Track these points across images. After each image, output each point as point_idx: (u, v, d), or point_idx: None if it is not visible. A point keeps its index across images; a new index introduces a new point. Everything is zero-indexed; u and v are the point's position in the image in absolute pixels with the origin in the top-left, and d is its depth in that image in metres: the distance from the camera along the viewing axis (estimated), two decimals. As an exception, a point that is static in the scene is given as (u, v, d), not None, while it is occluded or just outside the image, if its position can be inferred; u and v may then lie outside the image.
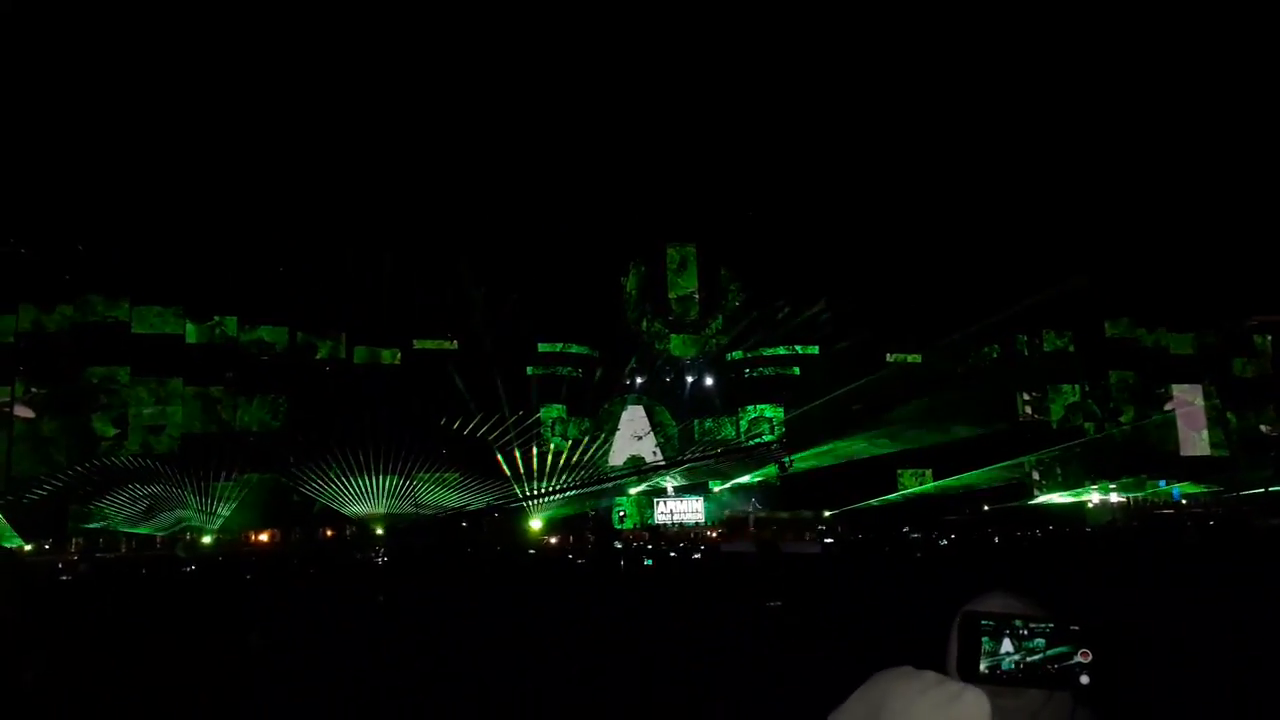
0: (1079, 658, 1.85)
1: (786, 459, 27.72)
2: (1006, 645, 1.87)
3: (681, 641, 8.66)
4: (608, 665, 7.72)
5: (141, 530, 28.81)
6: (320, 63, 28.79)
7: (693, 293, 36.20)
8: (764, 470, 32.45)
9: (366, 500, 30.97)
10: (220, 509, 29.44)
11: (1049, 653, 1.86)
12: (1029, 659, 1.87)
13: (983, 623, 1.92)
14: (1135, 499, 33.02)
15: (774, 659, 7.93)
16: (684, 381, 36.13)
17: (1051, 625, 1.88)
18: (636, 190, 32.93)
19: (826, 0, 30.54)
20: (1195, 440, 33.49)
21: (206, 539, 29.12)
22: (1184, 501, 32.26)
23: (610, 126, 32.04)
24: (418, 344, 33.30)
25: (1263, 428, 33.28)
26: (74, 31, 26.65)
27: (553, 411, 34.34)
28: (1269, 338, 34.14)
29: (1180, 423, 33.91)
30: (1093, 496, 33.20)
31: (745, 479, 33.69)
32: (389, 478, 30.85)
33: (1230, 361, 34.23)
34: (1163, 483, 32.90)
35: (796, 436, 33.24)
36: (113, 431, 29.53)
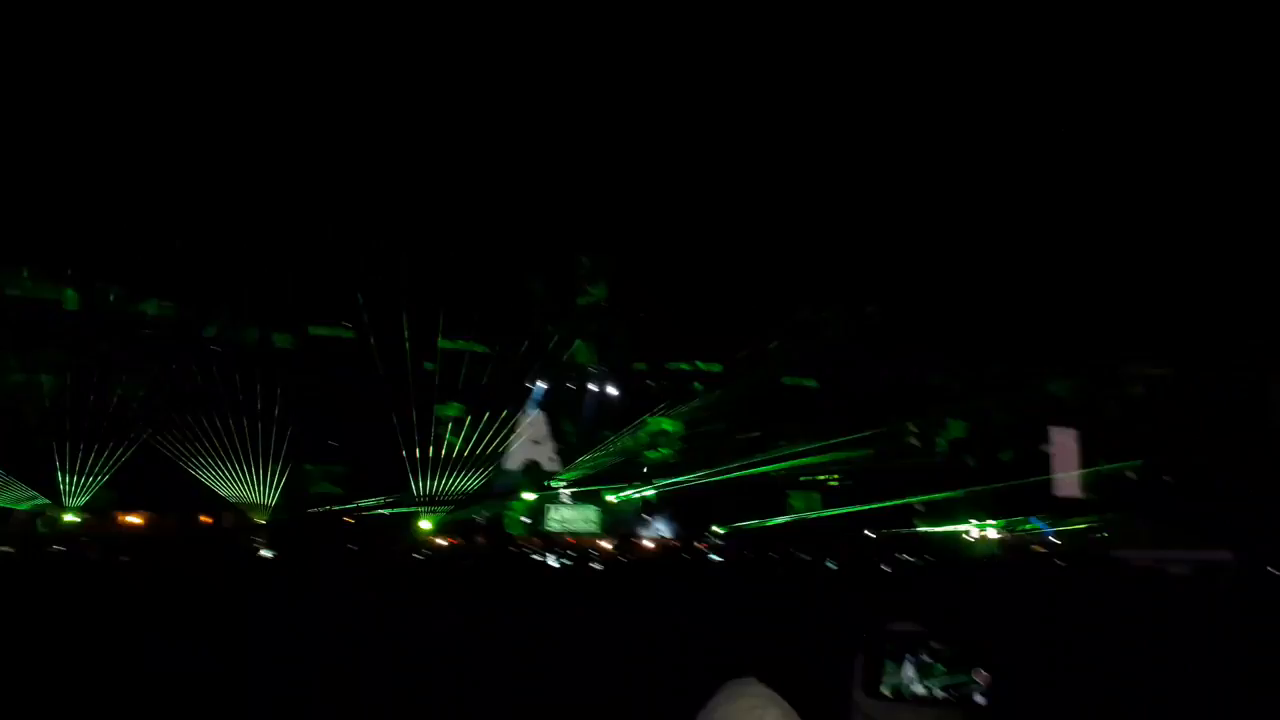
0: (976, 679, 1.92)
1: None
2: (909, 668, 1.92)
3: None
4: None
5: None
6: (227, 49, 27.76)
7: (602, 301, 36.22)
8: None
9: (247, 487, 29.91)
10: (87, 484, 27.93)
11: (949, 677, 1.91)
12: (930, 681, 1.92)
13: (887, 645, 1.97)
14: (1010, 535, 34.52)
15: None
16: (586, 389, 36.09)
17: (951, 649, 1.94)
18: (556, 193, 32.79)
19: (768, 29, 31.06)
20: (1067, 482, 35.16)
21: (70, 516, 27.57)
22: (1056, 540, 33.85)
23: (535, 127, 31.84)
24: (312, 330, 32.34)
25: (1129, 474, 35.17)
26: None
27: (450, 410, 33.74)
28: (1140, 386, 36.14)
29: (1054, 464, 35.54)
30: (971, 530, 34.56)
31: (649, 491, 33.94)
32: (274, 465, 29.87)
33: (1104, 406, 36.11)
34: (1035, 520, 34.47)
35: (693, 451, 33.63)
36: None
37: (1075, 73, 29.94)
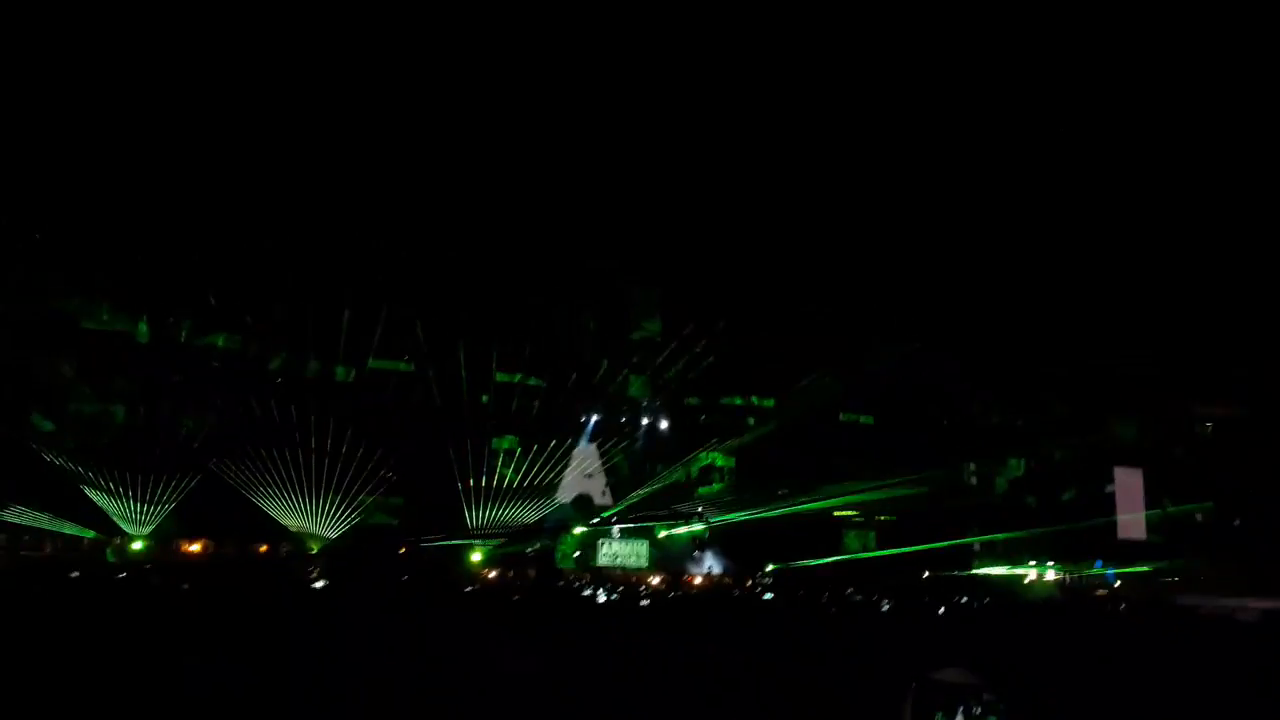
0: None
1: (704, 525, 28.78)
2: None
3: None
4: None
5: (68, 530, 27.93)
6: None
7: (656, 335, 36.25)
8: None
9: (304, 517, 30.39)
10: (154, 513, 28.66)
11: (1001, 729, 1.91)
12: (981, 734, 1.92)
13: (938, 696, 1.97)
14: (1071, 577, 33.54)
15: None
16: (639, 422, 36.08)
17: (1004, 701, 1.94)
18: (610, 226, 32.95)
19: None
20: (1132, 525, 34.13)
21: (137, 544, 28.30)
22: (1118, 584, 32.83)
23: (588, 162, 32.09)
24: (372, 363, 32.88)
25: (1197, 516, 34.07)
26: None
27: (504, 442, 33.98)
28: (1210, 427, 35.08)
29: (1119, 506, 34.53)
30: (1030, 572, 33.67)
31: (700, 527, 33.75)
32: (330, 496, 30.32)
33: (1172, 450, 35.06)
34: (1099, 563, 33.49)
35: (745, 486, 33.38)
36: (49, 426, 28.70)
37: (1145, 98, 29.32)
